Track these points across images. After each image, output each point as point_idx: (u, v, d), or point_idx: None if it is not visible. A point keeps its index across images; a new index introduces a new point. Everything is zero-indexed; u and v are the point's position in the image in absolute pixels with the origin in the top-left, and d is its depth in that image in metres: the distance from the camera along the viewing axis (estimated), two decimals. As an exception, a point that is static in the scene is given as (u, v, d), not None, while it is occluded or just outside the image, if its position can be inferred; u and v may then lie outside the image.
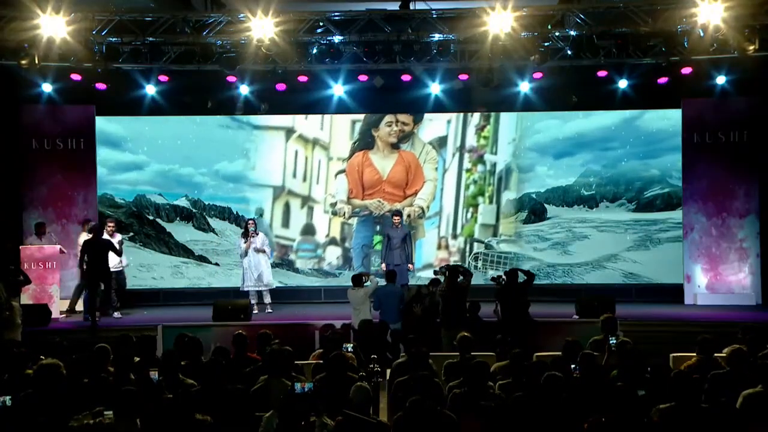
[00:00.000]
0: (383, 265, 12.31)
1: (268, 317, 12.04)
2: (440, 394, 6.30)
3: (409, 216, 13.91)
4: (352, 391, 5.48)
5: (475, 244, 14.17)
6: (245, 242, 12.37)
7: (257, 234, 12.51)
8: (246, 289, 12.48)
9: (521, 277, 10.40)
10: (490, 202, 14.21)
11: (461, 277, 10.29)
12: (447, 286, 10.18)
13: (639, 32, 11.37)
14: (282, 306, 12.81)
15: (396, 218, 12.60)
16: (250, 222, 12.59)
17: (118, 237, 12.47)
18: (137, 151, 14.05)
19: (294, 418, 5.01)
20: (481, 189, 14.23)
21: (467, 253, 14.19)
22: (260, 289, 12.50)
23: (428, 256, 14.19)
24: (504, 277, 10.53)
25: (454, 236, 14.26)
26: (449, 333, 9.69)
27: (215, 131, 14.12)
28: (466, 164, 14.23)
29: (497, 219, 14.21)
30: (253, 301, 12.38)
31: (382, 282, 10.92)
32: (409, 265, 12.45)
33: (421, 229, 14.15)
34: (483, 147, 14.20)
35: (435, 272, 11.12)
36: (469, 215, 14.25)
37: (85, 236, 11.99)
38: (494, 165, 14.21)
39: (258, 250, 12.38)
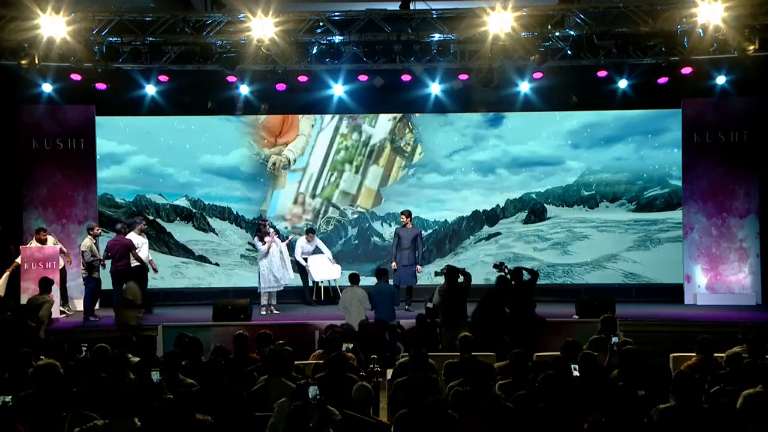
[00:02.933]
0: (394, 264, 12.27)
1: (268, 317, 12.03)
2: (440, 393, 6.30)
3: (274, 164, 13.98)
4: (354, 391, 5.47)
5: (331, 209, 14.31)
6: (264, 244, 12.22)
7: (276, 233, 12.50)
8: (266, 290, 12.33)
9: (524, 276, 10.43)
10: (356, 172, 14.29)
11: (461, 278, 10.30)
12: (447, 287, 10.19)
13: (639, 32, 11.38)
14: (282, 306, 12.80)
15: (403, 218, 12.48)
16: (266, 222, 12.55)
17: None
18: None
19: (303, 422, 4.96)
20: (350, 156, 14.30)
21: (320, 215, 14.37)
22: (278, 289, 12.42)
23: (282, 209, 14.33)
24: (507, 265, 10.57)
25: (313, 196, 14.35)
26: (449, 333, 9.71)
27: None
28: (343, 129, 14.31)
29: (359, 189, 14.32)
30: (264, 302, 12.33)
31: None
32: (418, 267, 12.35)
33: (282, 180, 14.26)
34: (363, 118, 14.27)
35: (436, 273, 11.12)
36: (332, 179, 14.33)
37: (134, 236, 12.20)
38: (369, 137, 14.27)
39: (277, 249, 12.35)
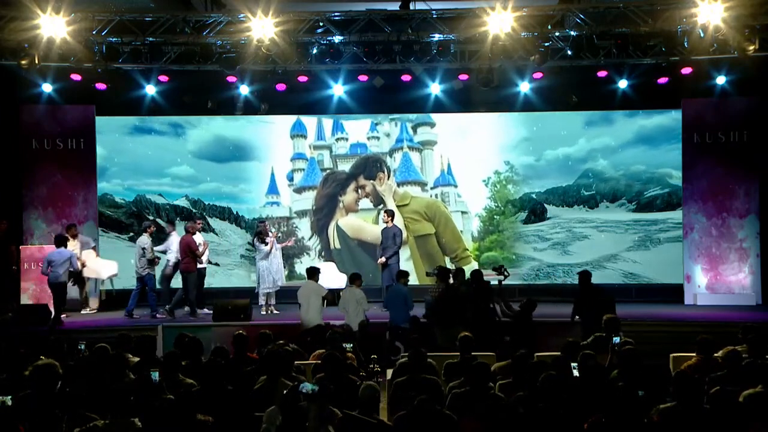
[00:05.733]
0: (381, 260, 12.31)
1: (268, 317, 12.02)
2: (440, 394, 6.30)
3: None
4: (361, 390, 5.46)
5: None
6: (266, 245, 12.22)
7: (274, 234, 12.50)
8: (265, 291, 12.36)
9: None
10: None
11: (451, 279, 10.37)
12: (440, 287, 10.21)
13: (639, 32, 11.38)
14: (283, 306, 12.79)
15: (385, 216, 12.46)
16: (266, 224, 12.55)
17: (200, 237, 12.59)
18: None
19: (297, 415, 4.98)
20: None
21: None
22: (274, 290, 12.42)
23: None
24: (506, 268, 10.57)
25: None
26: (444, 332, 9.73)
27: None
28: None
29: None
30: (262, 302, 12.34)
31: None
32: (381, 259, 12.21)
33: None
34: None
35: (427, 273, 11.17)
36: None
37: (197, 236, 12.37)
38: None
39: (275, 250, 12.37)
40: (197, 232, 12.37)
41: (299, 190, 14.39)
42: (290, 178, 14.35)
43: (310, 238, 14.36)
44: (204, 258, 12.46)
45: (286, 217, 14.33)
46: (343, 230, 14.33)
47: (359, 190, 14.37)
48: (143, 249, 11.93)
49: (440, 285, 10.33)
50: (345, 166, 14.42)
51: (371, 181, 14.34)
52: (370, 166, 14.36)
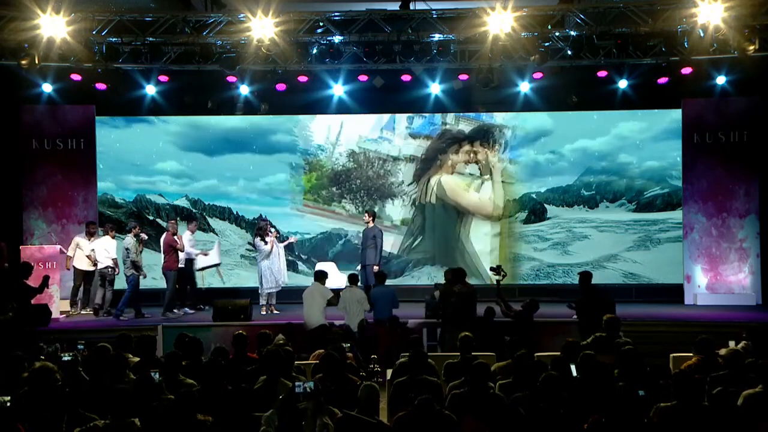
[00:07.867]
0: (375, 268, 12.22)
1: (268, 317, 12.01)
2: (440, 394, 6.31)
3: None
4: (361, 390, 5.47)
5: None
6: (266, 244, 12.17)
7: (276, 233, 12.50)
8: (267, 291, 12.33)
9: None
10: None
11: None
12: (447, 289, 10.19)
13: (639, 32, 11.38)
14: (284, 306, 12.79)
15: (366, 216, 12.44)
16: (267, 222, 12.51)
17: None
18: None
19: (294, 417, 5.00)
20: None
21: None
22: (277, 290, 12.40)
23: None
24: (503, 269, 10.57)
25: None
26: (453, 334, 9.68)
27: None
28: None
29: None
30: (263, 302, 12.34)
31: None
32: (375, 267, 12.09)
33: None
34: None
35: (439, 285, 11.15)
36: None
37: (189, 235, 12.57)
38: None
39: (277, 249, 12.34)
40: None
41: (414, 136, 14.39)
42: (410, 121, 14.37)
43: (410, 184, 14.36)
44: (192, 252, 12.51)
45: (392, 156, 14.35)
46: (444, 188, 14.35)
47: (471, 154, 14.33)
48: (126, 250, 11.89)
49: (447, 286, 10.25)
50: (466, 128, 14.40)
51: (486, 150, 14.30)
52: (489, 134, 14.32)
